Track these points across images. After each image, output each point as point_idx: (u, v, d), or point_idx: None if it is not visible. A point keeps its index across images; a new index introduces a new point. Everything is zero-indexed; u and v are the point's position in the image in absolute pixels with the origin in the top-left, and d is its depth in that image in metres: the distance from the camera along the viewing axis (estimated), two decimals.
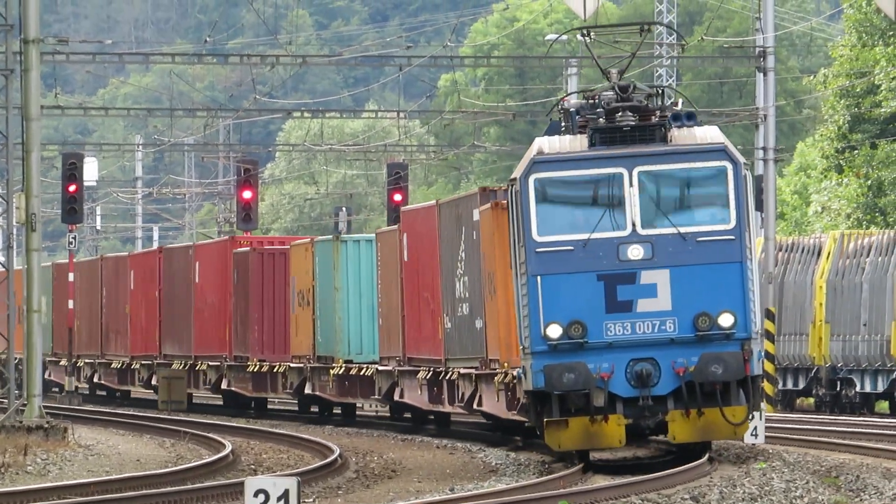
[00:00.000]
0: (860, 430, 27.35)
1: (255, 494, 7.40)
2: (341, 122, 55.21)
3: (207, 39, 51.23)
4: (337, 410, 33.62)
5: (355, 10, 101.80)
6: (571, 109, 15.41)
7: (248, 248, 32.50)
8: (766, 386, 29.76)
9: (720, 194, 13.93)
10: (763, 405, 22.71)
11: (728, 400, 13.75)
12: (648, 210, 13.98)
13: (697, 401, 13.78)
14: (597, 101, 14.99)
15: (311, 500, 14.18)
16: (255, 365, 32.50)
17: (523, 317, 14.52)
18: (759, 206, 33.55)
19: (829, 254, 33.01)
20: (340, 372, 30.09)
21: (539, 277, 13.97)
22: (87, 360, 39.48)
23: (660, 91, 16.09)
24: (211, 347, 31.79)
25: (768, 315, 32.73)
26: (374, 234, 31.71)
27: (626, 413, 13.96)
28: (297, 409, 34.66)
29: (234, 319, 30.58)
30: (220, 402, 34.56)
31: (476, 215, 20.89)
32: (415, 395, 26.57)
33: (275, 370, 31.62)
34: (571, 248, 13.99)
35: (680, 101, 18.14)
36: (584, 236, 13.99)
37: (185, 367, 33.79)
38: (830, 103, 45.99)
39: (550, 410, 13.95)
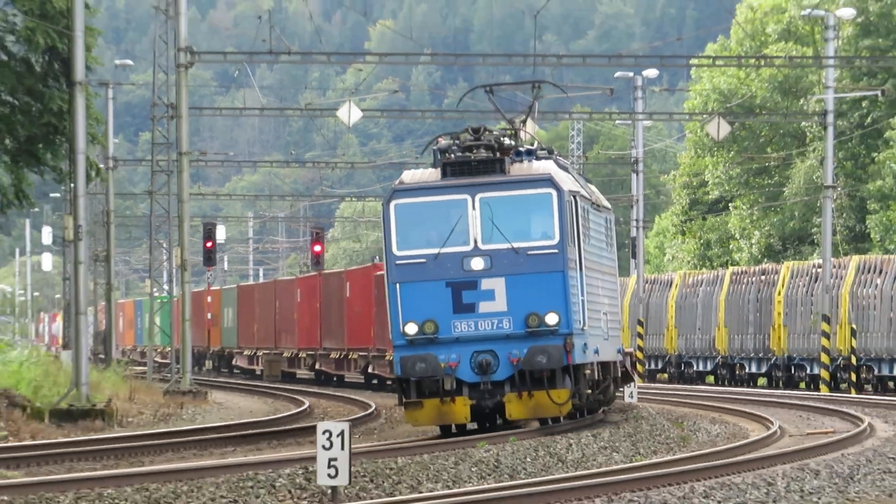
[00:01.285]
0: (696, 394, 33.75)
1: (323, 433, 8.96)
2: (375, 203, 69.30)
3: (293, 152, 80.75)
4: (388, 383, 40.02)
5: (384, 134, 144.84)
6: (436, 149, 16.09)
7: (382, 272, 42.39)
8: (639, 366, 39.49)
9: (546, 216, 14.66)
10: (636, 378, 27.41)
11: (553, 384, 14.50)
12: (487, 229, 14.67)
13: (528, 385, 14.54)
14: (457, 141, 15.83)
15: (357, 436, 16.60)
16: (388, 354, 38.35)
17: (390, 317, 15.35)
18: (634, 254, 47.99)
19: (677, 285, 46.48)
20: (388, 357, 35.16)
21: (398, 285, 14.84)
22: (264, 352, 50.33)
23: (513, 132, 16.87)
24: (359, 342, 39.80)
25: (640, 322, 46.01)
26: None
27: (470, 395, 14.65)
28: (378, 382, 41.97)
29: (375, 322, 37.42)
30: (363, 381, 42.07)
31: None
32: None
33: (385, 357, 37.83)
34: (424, 260, 14.79)
35: (536, 142, 18.56)
36: (435, 251, 14.74)
37: (340, 356, 42.71)
38: (677, 192, 62.57)
39: (409, 393, 14.85)
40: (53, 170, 26.70)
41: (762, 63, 43.97)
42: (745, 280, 41.90)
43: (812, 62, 41.56)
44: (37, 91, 24.29)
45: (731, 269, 46.67)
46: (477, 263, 14.61)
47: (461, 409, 14.59)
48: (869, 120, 47.11)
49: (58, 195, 59.10)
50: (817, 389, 36.18)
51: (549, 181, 14.66)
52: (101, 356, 48.15)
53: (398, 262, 14.91)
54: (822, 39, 38.64)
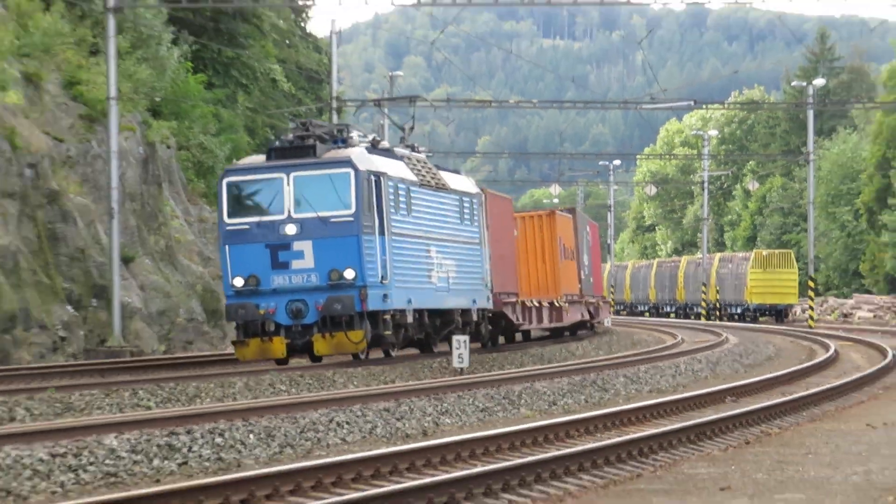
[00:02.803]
0: (640, 322, 46.39)
1: (454, 340, 16.99)
2: None
3: None
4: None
5: None
6: (276, 142, 18.06)
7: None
8: (612, 305, 52.01)
9: (345, 190, 15.82)
10: (611, 312, 39.66)
11: (351, 326, 15.78)
12: (299, 201, 15.93)
13: (329, 327, 15.88)
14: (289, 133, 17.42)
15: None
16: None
17: (222, 273, 17.08)
18: (609, 251, 65.61)
19: (630, 267, 68.52)
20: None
21: (227, 247, 16.30)
22: None
23: (345, 127, 18.54)
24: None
25: (612, 286, 60.11)
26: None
27: (285, 336, 15.98)
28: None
29: None
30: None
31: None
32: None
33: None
34: (248, 227, 16.20)
35: (373, 135, 19.50)
36: (257, 219, 16.18)
37: None
38: (630, 221, 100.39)
39: (238, 334, 16.36)
40: None
41: (672, 157, 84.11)
42: (664, 265, 63.94)
43: (697, 157, 70.20)
44: None
45: (656, 259, 71.28)
46: (290, 229, 15.96)
47: (278, 346, 15.92)
48: (725, 186, 77.29)
49: None
50: (699, 319, 52.58)
51: (348, 162, 15.90)
52: None
53: (228, 228, 16.34)
54: (702, 145, 64.73)
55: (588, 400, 13.32)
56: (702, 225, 62.77)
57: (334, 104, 31.95)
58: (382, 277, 16.54)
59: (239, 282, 16.21)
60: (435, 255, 19.09)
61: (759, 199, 72.94)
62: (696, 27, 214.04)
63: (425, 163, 20.04)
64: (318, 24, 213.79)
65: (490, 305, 21.45)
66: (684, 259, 62.74)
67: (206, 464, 7.73)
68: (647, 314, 62.76)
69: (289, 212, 16.12)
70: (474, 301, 20.64)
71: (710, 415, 10.66)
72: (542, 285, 26.18)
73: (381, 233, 16.60)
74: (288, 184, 16.15)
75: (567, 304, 26.98)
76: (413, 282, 17.87)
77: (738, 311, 52.52)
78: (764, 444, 9.21)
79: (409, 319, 17.49)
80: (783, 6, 65.65)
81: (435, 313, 19.12)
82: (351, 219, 15.96)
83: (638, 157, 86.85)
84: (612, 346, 25.62)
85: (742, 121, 79.23)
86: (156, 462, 7.59)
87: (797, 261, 52.87)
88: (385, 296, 16.65)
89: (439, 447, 7.69)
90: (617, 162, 73.03)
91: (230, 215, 16.51)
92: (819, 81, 50.59)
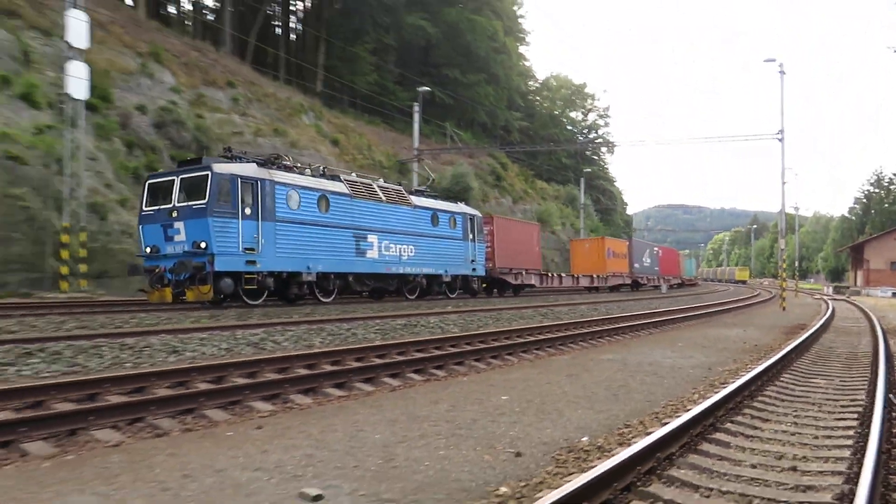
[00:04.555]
0: (634, 296, 44.76)
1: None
2: None
3: None
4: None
5: None
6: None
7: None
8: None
9: (204, 188, 20.28)
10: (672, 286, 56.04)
11: (204, 282, 20.14)
12: (180, 195, 20.61)
13: (195, 282, 20.23)
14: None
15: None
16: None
17: (139, 244, 22.16)
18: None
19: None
20: None
21: (141, 226, 21.20)
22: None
23: (231, 151, 22.95)
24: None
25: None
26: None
27: (173, 287, 20.59)
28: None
29: None
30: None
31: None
32: None
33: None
34: (153, 212, 20.97)
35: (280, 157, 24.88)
36: (157, 207, 20.95)
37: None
38: None
39: (148, 286, 21.54)
40: None
41: None
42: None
43: None
44: None
45: None
46: (174, 214, 20.73)
47: (168, 294, 20.47)
48: None
49: None
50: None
51: (209, 168, 20.52)
52: None
53: (142, 213, 21.28)
54: None
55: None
56: None
57: None
58: (249, 248, 21.42)
59: (147, 249, 21.17)
60: (372, 240, 26.74)
61: None
62: None
63: (367, 183, 27.59)
64: None
65: (474, 273, 33.12)
66: None
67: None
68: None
69: (174, 202, 20.86)
70: (446, 270, 30.89)
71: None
72: (595, 268, 52.09)
73: (250, 218, 21.57)
74: (176, 183, 20.94)
75: (611, 276, 52.56)
76: (302, 253, 23.51)
77: None
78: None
79: (270, 281, 22.49)
80: None
81: (368, 276, 26.79)
82: (204, 206, 20.36)
83: None
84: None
85: None
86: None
87: None
88: (249, 262, 21.48)
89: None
90: None
91: (146, 205, 21.47)
92: None
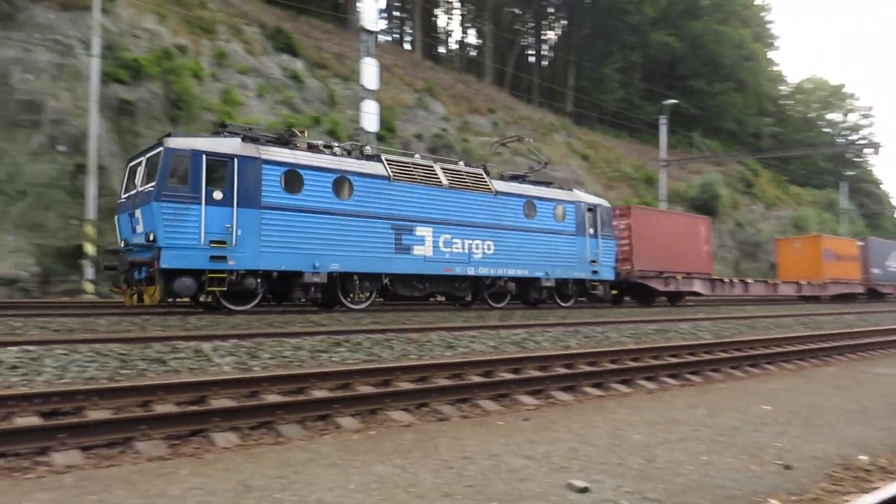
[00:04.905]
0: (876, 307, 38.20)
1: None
2: None
3: None
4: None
5: None
6: None
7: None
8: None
9: (157, 166, 16.46)
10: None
11: (152, 282, 16.44)
12: (144, 178, 16.99)
13: (141, 282, 16.89)
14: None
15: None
16: None
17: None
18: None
19: None
20: None
21: (117, 216, 18.31)
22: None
23: (223, 129, 18.43)
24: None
25: None
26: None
27: (131, 287, 17.06)
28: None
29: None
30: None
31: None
32: None
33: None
34: (125, 199, 17.79)
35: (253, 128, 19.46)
36: (128, 194, 17.64)
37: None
38: None
39: (123, 283, 17.58)
40: None
41: None
42: None
43: None
44: None
45: None
46: (137, 199, 17.15)
47: (128, 298, 17.16)
48: None
49: None
50: None
51: (171, 149, 16.55)
52: None
53: (119, 201, 18.35)
54: None
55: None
56: None
57: None
58: (218, 241, 16.78)
59: (122, 244, 17.77)
60: (423, 233, 20.94)
61: None
62: None
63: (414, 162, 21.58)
64: None
65: (595, 277, 25.82)
66: None
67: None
68: None
69: (136, 187, 17.08)
70: (546, 273, 23.97)
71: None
72: (806, 273, 43.29)
73: (220, 203, 16.90)
74: (142, 164, 17.20)
75: (830, 283, 43.11)
76: (303, 248, 18.24)
77: None
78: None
79: (235, 276, 17.31)
80: None
81: (417, 278, 20.80)
82: (153, 189, 16.33)
83: None
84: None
85: None
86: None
87: None
88: (216, 257, 16.79)
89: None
90: None
91: (123, 192, 18.19)
92: None
